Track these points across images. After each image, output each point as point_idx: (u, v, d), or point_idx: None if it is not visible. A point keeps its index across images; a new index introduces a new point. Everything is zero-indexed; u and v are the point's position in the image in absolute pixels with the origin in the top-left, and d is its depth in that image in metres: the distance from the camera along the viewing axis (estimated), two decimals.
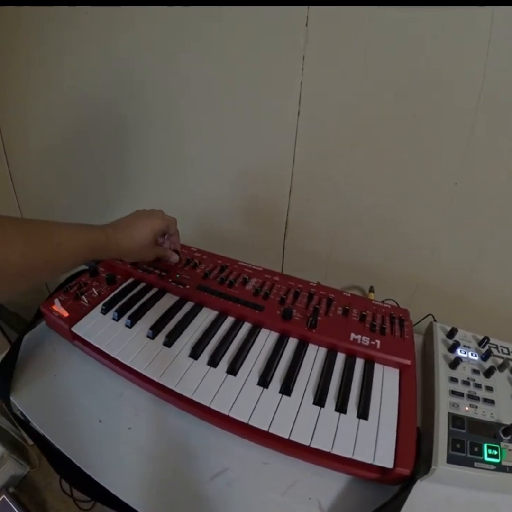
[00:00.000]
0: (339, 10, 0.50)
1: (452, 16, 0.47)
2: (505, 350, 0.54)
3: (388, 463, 0.39)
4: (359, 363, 0.47)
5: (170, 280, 0.50)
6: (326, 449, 0.39)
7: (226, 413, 0.40)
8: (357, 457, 0.39)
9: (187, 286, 0.50)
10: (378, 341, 0.47)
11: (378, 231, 0.61)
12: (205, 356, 0.45)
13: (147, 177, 0.71)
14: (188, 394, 0.41)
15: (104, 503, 0.50)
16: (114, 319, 0.48)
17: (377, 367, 0.47)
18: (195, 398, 0.41)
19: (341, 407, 0.42)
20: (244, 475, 0.42)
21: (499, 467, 0.43)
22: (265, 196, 0.63)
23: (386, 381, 0.46)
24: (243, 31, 0.53)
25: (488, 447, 0.45)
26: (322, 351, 0.47)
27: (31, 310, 0.53)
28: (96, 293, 0.50)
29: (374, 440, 0.40)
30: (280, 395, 0.42)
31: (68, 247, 0.40)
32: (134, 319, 0.47)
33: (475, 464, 0.43)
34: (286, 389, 0.42)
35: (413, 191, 0.57)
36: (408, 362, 0.46)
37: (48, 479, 0.87)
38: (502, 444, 0.45)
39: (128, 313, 0.48)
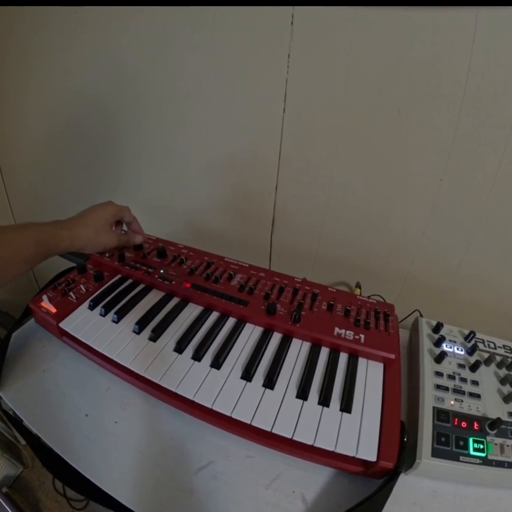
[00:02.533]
0: (323, 9, 0.51)
1: (436, 15, 0.48)
2: (492, 345, 0.54)
3: (371, 456, 0.39)
4: (343, 357, 0.47)
5: (156, 276, 0.51)
6: (309, 442, 0.39)
7: (210, 406, 0.40)
8: (340, 450, 0.39)
9: (173, 282, 0.50)
10: (362, 336, 0.47)
11: (365, 227, 0.61)
12: (189, 350, 0.45)
13: (137, 176, 0.72)
14: (172, 388, 0.42)
15: (92, 498, 0.50)
16: (101, 314, 0.48)
17: (361, 361, 0.47)
18: (179, 391, 0.42)
19: (324, 401, 0.42)
20: (229, 469, 0.42)
21: (485, 461, 0.43)
22: (252, 193, 0.64)
23: (370, 375, 0.46)
24: (230, 31, 0.54)
25: (474, 441, 0.45)
26: (306, 345, 0.47)
27: (22, 309, 0.54)
28: (84, 289, 0.50)
29: (357, 433, 0.40)
30: (263, 388, 0.42)
31: (13, 244, 0.41)
32: (120, 315, 0.48)
33: (461, 458, 0.43)
34: (269, 382, 0.42)
35: (399, 187, 0.57)
36: (392, 356, 0.47)
37: (41, 478, 0.87)
38: (488, 438, 0.45)
39: (115, 309, 0.48)
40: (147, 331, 0.47)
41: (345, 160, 0.57)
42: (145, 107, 0.65)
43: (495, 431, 0.46)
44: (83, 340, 0.46)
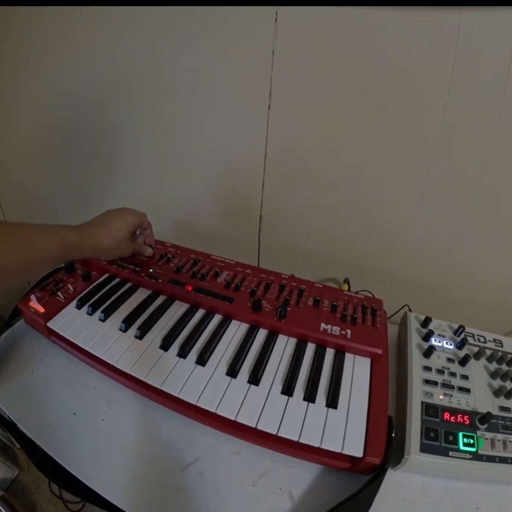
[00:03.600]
0: (307, 8, 0.51)
1: (420, 14, 0.48)
2: (482, 339, 0.54)
3: (358, 452, 0.39)
4: (329, 353, 0.47)
5: (143, 274, 0.51)
6: (294, 438, 0.39)
7: (194, 403, 0.40)
8: (325, 446, 0.39)
9: (160, 280, 0.50)
10: (348, 331, 0.47)
11: (353, 223, 0.61)
12: (175, 347, 0.45)
13: (126, 175, 0.72)
14: (157, 385, 0.42)
15: (85, 498, 0.50)
16: (88, 313, 0.48)
17: (348, 357, 0.46)
18: (164, 388, 0.42)
19: (309, 397, 0.42)
20: (215, 466, 0.42)
21: (476, 456, 0.43)
22: (239, 190, 0.64)
23: (357, 370, 0.45)
24: (215, 29, 0.54)
25: (464, 436, 0.44)
26: (292, 341, 0.47)
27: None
28: (71, 289, 0.50)
29: (343, 429, 0.40)
30: (248, 384, 0.42)
31: (40, 247, 0.40)
32: (107, 313, 0.48)
33: (450, 453, 0.43)
34: (254, 378, 0.42)
35: (386, 182, 0.57)
36: (379, 351, 0.46)
37: (38, 481, 0.87)
38: (478, 433, 0.44)
39: (102, 308, 0.49)
40: (133, 329, 0.47)
41: (331, 156, 0.57)
42: (137, 106, 0.65)
43: (485, 426, 0.45)
44: (71, 339, 0.47)
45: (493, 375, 0.50)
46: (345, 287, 0.58)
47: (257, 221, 0.65)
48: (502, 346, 0.54)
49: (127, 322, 0.47)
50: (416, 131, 0.54)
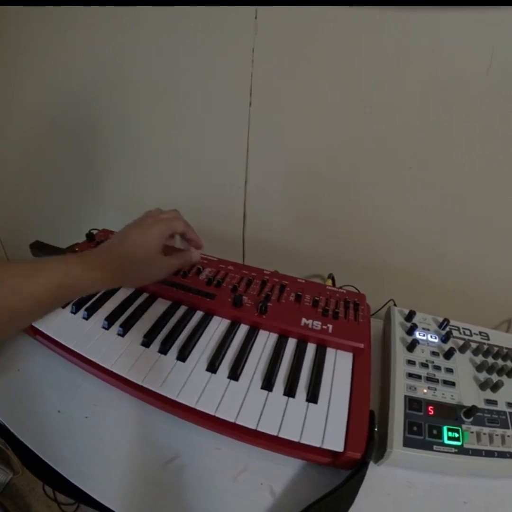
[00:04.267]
0: (286, 8, 0.51)
1: (394, 12, 0.48)
2: (467, 332, 0.53)
3: (338, 446, 0.39)
4: (311, 348, 0.46)
5: None
6: (273, 432, 0.39)
7: (174, 398, 0.41)
8: (305, 440, 0.39)
9: None
10: (330, 326, 0.47)
11: (336, 219, 0.61)
12: (156, 344, 0.45)
13: (112, 174, 0.73)
14: (138, 381, 0.42)
15: (73, 496, 0.50)
16: (72, 312, 0.49)
17: (330, 352, 0.46)
18: (145, 384, 0.42)
19: (289, 392, 0.41)
20: (196, 461, 0.42)
21: (461, 450, 0.42)
22: (222, 188, 0.64)
23: (339, 365, 0.45)
24: (196, 28, 0.55)
25: (449, 430, 0.44)
26: (273, 336, 0.47)
27: None
28: None
29: (323, 423, 0.40)
30: (228, 380, 0.42)
31: (24, 291, 0.31)
32: (90, 312, 0.48)
33: (435, 447, 0.42)
34: (233, 374, 0.42)
35: (369, 176, 0.57)
36: (361, 345, 0.46)
37: (32, 484, 0.87)
38: (463, 426, 0.44)
39: (85, 306, 0.49)
40: (115, 327, 0.47)
41: (313, 152, 0.57)
42: (122, 105, 0.65)
43: (471, 419, 0.45)
44: (55, 338, 0.47)
45: (479, 368, 0.49)
46: (329, 282, 0.58)
47: (241, 219, 0.65)
48: (488, 339, 0.53)
49: (110, 320, 0.47)
50: (396, 124, 0.54)
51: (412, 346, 0.49)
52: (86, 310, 0.48)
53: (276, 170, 0.61)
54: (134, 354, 0.44)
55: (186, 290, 0.50)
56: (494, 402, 0.47)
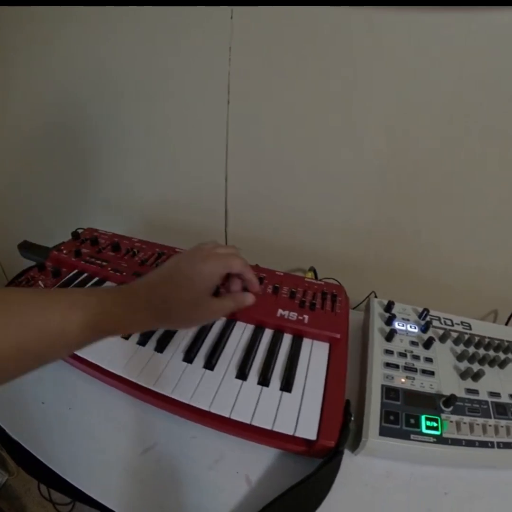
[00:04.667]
0: (262, 8, 0.53)
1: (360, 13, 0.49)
2: (449, 322, 0.53)
3: (311, 434, 0.39)
4: (287, 339, 0.47)
5: (109, 268, 0.53)
6: (246, 421, 0.39)
7: (151, 388, 0.41)
8: (278, 428, 0.39)
9: (124, 273, 0.52)
10: (306, 316, 0.47)
11: (317, 213, 0.61)
12: (135, 336, 0.46)
13: (96, 174, 0.74)
14: (117, 372, 0.43)
15: (60, 489, 0.51)
16: None
17: (306, 342, 0.47)
18: (124, 375, 0.43)
19: (263, 381, 0.42)
20: (173, 450, 0.42)
21: (440, 440, 0.42)
22: (203, 184, 0.65)
23: (314, 355, 0.45)
24: (173, 27, 0.56)
25: (427, 419, 0.43)
26: (250, 328, 0.48)
27: None
28: (42, 285, 0.52)
29: (297, 412, 0.40)
30: (204, 370, 0.43)
31: (53, 330, 0.27)
32: None
33: (412, 436, 0.42)
34: (209, 364, 0.43)
35: (347, 167, 0.58)
36: (337, 335, 0.46)
37: (27, 485, 0.88)
38: (443, 415, 0.44)
39: None
40: None
41: (291, 146, 0.58)
42: (108, 104, 0.66)
43: (450, 408, 0.44)
44: None
45: (460, 357, 0.49)
46: (310, 275, 0.59)
47: (223, 215, 0.66)
48: (470, 329, 0.53)
49: None
50: (370, 114, 0.55)
51: (390, 336, 0.49)
52: None
53: (255, 168, 0.62)
54: (114, 346, 0.45)
55: None
56: (475, 392, 0.46)
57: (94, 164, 0.73)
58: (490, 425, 0.44)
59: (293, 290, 0.50)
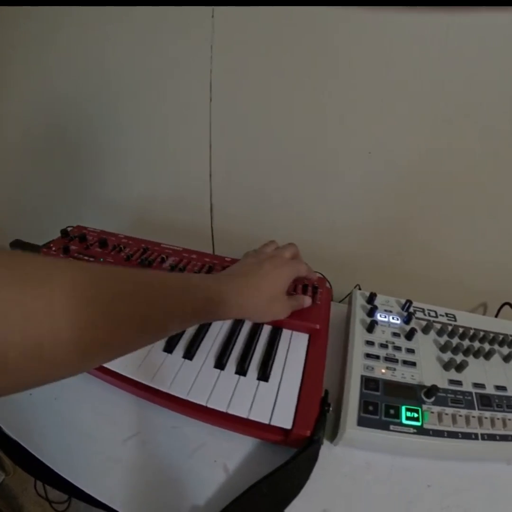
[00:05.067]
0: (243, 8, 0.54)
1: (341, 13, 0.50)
2: (433, 313, 0.53)
3: (286, 424, 0.39)
4: (266, 329, 0.47)
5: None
6: (222, 409, 0.40)
7: (132, 377, 0.42)
8: (253, 417, 0.39)
9: None
10: None
11: (301, 208, 0.62)
12: None
13: (86, 172, 0.75)
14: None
15: (46, 480, 0.52)
16: None
17: (286, 333, 0.47)
18: (107, 365, 0.43)
19: (240, 370, 0.42)
20: (154, 438, 0.43)
21: (420, 431, 0.42)
22: (188, 181, 0.66)
23: (293, 345, 0.46)
24: (155, 27, 0.57)
25: (407, 410, 0.43)
26: (230, 320, 0.48)
27: None
28: None
29: (273, 401, 0.41)
30: (183, 359, 0.44)
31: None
32: None
33: (391, 427, 0.42)
34: (188, 354, 0.44)
35: (330, 163, 0.58)
36: (317, 326, 0.46)
37: (24, 484, 0.89)
38: (424, 406, 0.43)
39: None
40: None
41: (272, 144, 0.59)
42: (98, 103, 0.66)
43: (432, 399, 0.44)
44: None
45: (443, 348, 0.48)
46: None
47: (208, 211, 0.67)
48: (455, 320, 0.52)
49: None
50: (352, 109, 0.55)
51: (371, 327, 0.48)
52: None
53: (238, 163, 0.62)
54: None
55: None
56: (459, 383, 0.46)
57: (84, 163, 0.74)
58: (473, 417, 0.43)
59: None
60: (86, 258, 0.55)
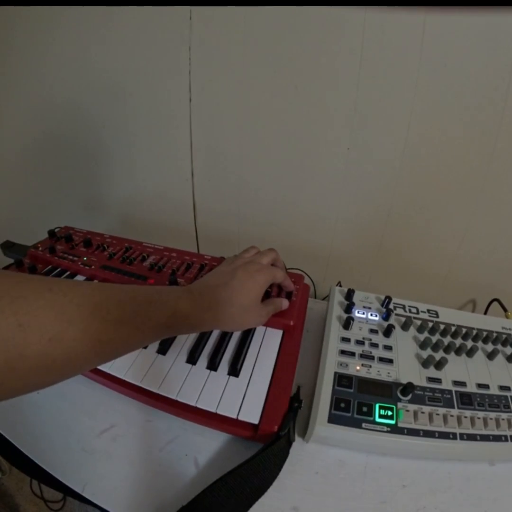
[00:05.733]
0: (219, 8, 0.55)
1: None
2: (414, 310, 0.51)
3: (254, 419, 0.39)
4: None
5: (79, 263, 0.56)
6: (191, 403, 0.40)
7: (106, 371, 0.44)
8: (221, 411, 0.40)
9: (93, 267, 0.55)
10: None
11: (281, 206, 0.61)
12: None
13: (69, 173, 0.77)
14: None
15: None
16: None
17: (260, 328, 0.47)
18: None
19: (210, 365, 0.43)
20: (129, 432, 0.44)
21: (395, 429, 0.41)
22: (171, 180, 0.67)
23: (266, 341, 0.46)
24: (135, 28, 0.58)
25: (381, 408, 0.42)
26: None
27: None
28: None
29: (242, 396, 0.41)
30: (156, 354, 0.44)
31: (153, 320, 0.30)
32: None
33: (364, 425, 0.41)
34: (162, 349, 0.44)
35: (309, 161, 0.58)
36: (290, 322, 0.46)
37: (20, 484, 0.91)
38: (399, 404, 0.42)
39: None
40: None
41: (252, 142, 0.59)
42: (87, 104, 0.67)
43: (408, 397, 0.43)
44: None
45: (423, 345, 0.47)
46: None
47: (191, 209, 0.68)
48: (437, 317, 0.51)
49: None
50: (330, 109, 0.55)
51: (347, 323, 0.48)
52: None
53: (217, 162, 0.63)
54: None
55: (128, 276, 0.53)
56: (438, 380, 0.45)
57: (72, 165, 0.76)
58: (452, 416, 0.42)
59: None
60: (70, 257, 0.57)
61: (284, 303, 0.47)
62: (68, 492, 0.46)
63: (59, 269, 0.57)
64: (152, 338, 0.33)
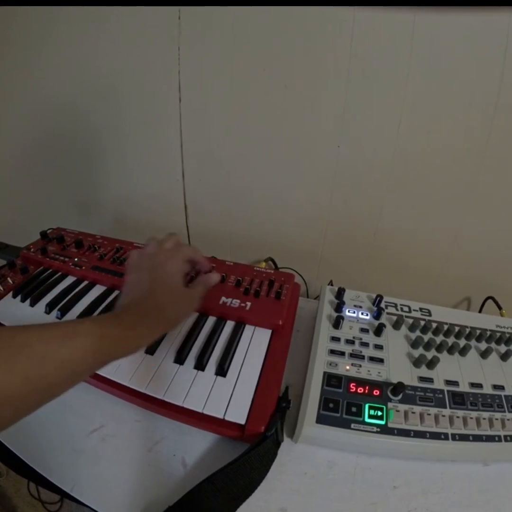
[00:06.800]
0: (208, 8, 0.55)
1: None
2: (406, 308, 0.51)
3: (240, 419, 0.39)
4: (229, 325, 0.47)
5: (70, 264, 0.56)
6: (178, 403, 0.40)
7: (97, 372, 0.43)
8: (208, 411, 0.39)
9: (83, 267, 0.55)
10: (248, 303, 0.47)
11: (272, 205, 0.61)
12: None
13: (61, 174, 0.77)
14: None
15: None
16: (21, 301, 0.54)
17: (249, 328, 0.47)
18: None
19: (198, 365, 0.42)
20: (118, 432, 0.44)
21: (384, 430, 0.40)
22: (162, 181, 0.67)
23: (254, 341, 0.45)
24: (124, 28, 0.58)
25: (370, 408, 0.42)
26: (193, 315, 0.48)
27: None
28: (11, 281, 0.57)
29: (229, 396, 0.40)
30: (145, 354, 0.44)
31: (56, 358, 0.28)
32: (35, 299, 0.53)
33: (353, 425, 0.40)
34: (150, 349, 0.44)
35: (299, 159, 0.57)
36: (279, 322, 0.46)
37: (17, 485, 0.90)
38: (389, 404, 0.42)
39: (32, 295, 0.54)
40: (55, 311, 0.51)
41: (242, 141, 0.59)
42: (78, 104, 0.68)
43: (399, 397, 0.42)
44: (4, 323, 0.52)
45: (414, 344, 0.47)
46: (263, 265, 0.58)
47: (183, 209, 0.68)
48: (429, 315, 0.50)
49: (50, 306, 0.51)
50: (320, 106, 0.54)
51: (337, 323, 0.47)
52: (32, 298, 0.53)
53: (207, 162, 0.63)
54: None
55: (119, 276, 0.53)
56: (430, 380, 0.44)
57: (66, 167, 0.77)
58: (443, 416, 0.41)
59: (239, 278, 0.50)
60: (61, 258, 0.58)
61: (213, 277, 0.46)
62: (61, 493, 0.46)
63: (50, 270, 0.57)
64: (86, 367, 0.31)
